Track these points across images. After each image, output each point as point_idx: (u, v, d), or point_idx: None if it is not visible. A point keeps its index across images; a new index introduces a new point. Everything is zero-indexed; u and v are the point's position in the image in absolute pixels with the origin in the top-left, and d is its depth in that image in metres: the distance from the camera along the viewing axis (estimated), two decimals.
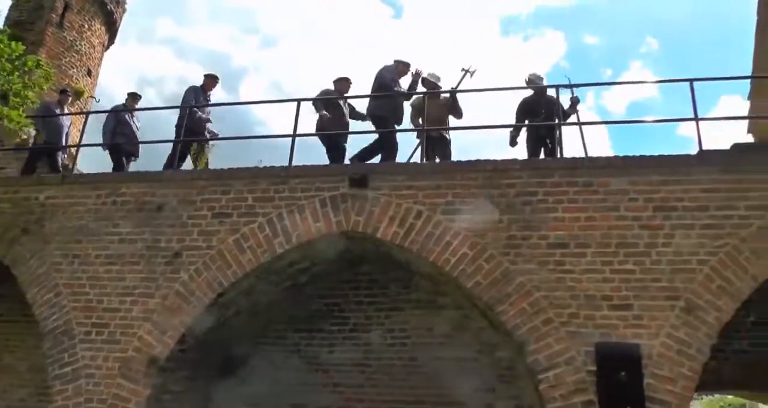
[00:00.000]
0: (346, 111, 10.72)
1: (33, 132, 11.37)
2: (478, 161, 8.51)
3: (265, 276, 8.58)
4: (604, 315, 7.23)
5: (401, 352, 9.36)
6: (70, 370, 8.19)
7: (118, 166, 10.97)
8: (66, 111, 12.46)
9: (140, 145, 11.63)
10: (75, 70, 17.85)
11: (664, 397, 6.80)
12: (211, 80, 11.64)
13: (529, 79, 10.47)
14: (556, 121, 9.48)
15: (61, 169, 11.40)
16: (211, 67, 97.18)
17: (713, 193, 7.51)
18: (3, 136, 12.76)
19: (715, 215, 7.41)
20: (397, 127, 10.30)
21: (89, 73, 18.62)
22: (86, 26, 18.48)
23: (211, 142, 11.40)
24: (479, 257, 7.66)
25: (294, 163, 8.80)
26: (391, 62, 10.73)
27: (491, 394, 8.84)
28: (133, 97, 11.85)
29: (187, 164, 11.03)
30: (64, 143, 11.81)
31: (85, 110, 16.69)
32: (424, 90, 10.56)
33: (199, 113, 11.08)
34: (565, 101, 10.29)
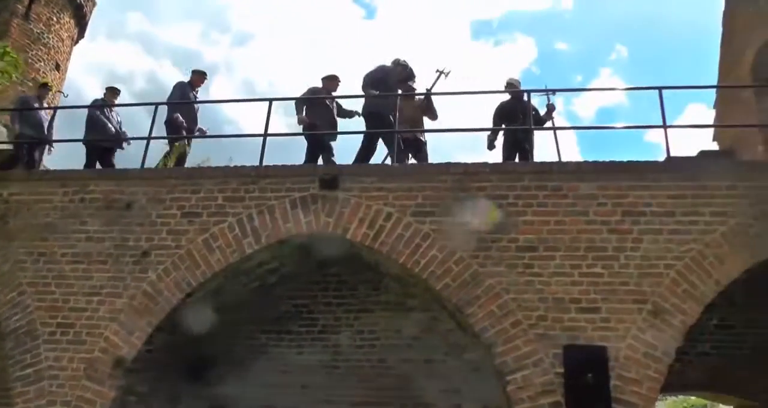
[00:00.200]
0: (334, 110, 10.66)
1: (17, 127, 10.99)
2: (448, 164, 8.56)
3: (234, 276, 8.53)
4: (572, 318, 7.32)
5: (370, 354, 9.38)
6: (32, 372, 8.00)
7: (92, 163, 10.76)
8: (46, 106, 12.15)
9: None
10: (42, 64, 17.59)
11: (630, 399, 6.91)
12: (198, 76, 11.49)
13: (508, 83, 10.54)
14: (531, 125, 9.55)
15: (38, 165, 11.09)
16: (182, 64, 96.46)
17: (680, 199, 7.66)
18: None
19: (681, 221, 7.56)
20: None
21: (57, 67, 18.35)
22: (54, 19, 18.21)
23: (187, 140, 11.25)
24: (448, 259, 7.69)
25: (265, 163, 8.74)
26: (379, 62, 10.72)
27: (459, 395, 8.91)
28: (112, 91, 11.62)
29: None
30: (46, 138, 11.46)
31: (53, 105, 16.38)
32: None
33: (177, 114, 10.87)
34: (542, 108, 10.45)
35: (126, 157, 11.41)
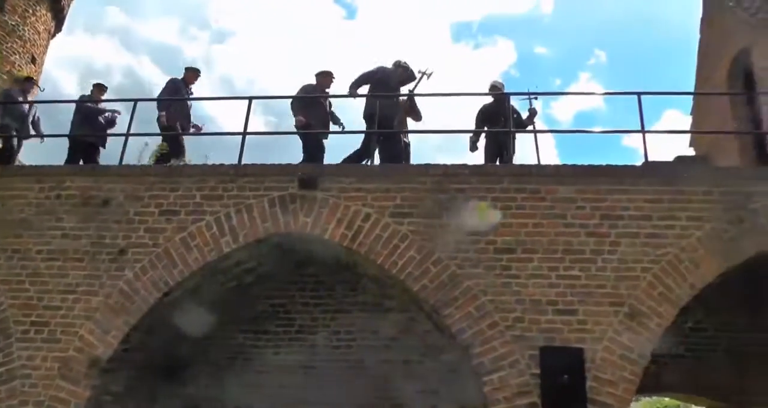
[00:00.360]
0: (328, 107, 10.63)
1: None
2: (427, 165, 8.58)
3: (211, 276, 8.47)
4: (549, 319, 7.38)
5: (347, 354, 9.37)
6: (4, 371, 7.84)
7: (75, 158, 10.61)
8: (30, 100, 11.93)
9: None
10: (18, 57, 17.34)
11: (606, 400, 6.99)
12: (192, 73, 11.34)
13: (492, 85, 10.58)
14: (512, 128, 9.59)
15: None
16: (161, 60, 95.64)
17: (657, 203, 7.76)
18: None
19: (658, 225, 7.66)
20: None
21: (33, 60, 18.10)
22: (30, 11, 17.96)
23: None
24: (426, 261, 7.71)
25: (243, 162, 8.69)
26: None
27: (436, 396, 8.92)
28: (100, 88, 11.50)
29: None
30: (30, 132, 11.20)
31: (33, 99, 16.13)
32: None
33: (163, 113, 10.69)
34: (523, 112, 10.54)
35: (104, 154, 11.26)
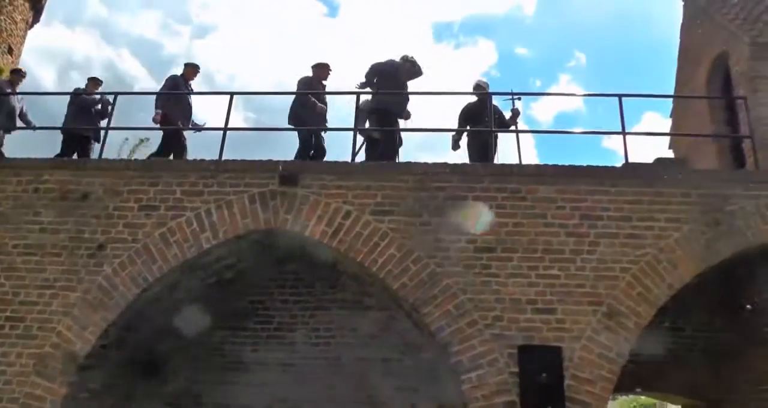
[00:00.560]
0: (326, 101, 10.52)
1: None
2: (408, 163, 8.60)
3: (191, 272, 8.42)
4: (528, 318, 7.42)
5: (326, 352, 9.38)
6: None
7: (69, 152, 10.46)
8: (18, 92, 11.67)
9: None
10: None
11: (584, 398, 7.05)
12: (192, 69, 11.20)
13: (476, 84, 10.58)
14: (494, 127, 9.62)
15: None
16: (141, 54, 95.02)
17: (636, 204, 7.85)
18: None
19: (637, 226, 7.74)
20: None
21: (10, 50, 17.82)
22: (7, 1, 17.70)
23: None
24: (406, 259, 7.72)
25: (224, 158, 8.65)
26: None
27: (414, 394, 8.95)
28: (95, 81, 11.33)
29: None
30: (17, 125, 11.04)
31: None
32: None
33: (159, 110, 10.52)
34: (506, 112, 10.59)
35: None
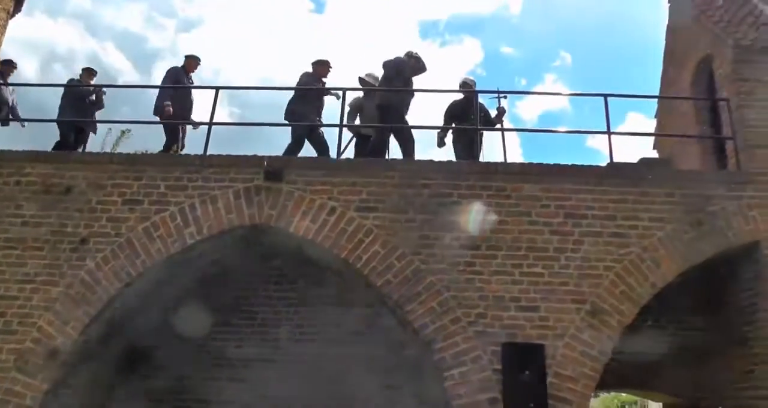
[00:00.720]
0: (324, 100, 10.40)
1: None
2: (394, 160, 8.63)
3: (174, 267, 8.36)
4: (512, 316, 7.46)
5: (309, 348, 9.34)
6: None
7: (66, 144, 10.25)
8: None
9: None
10: None
11: (566, 396, 7.10)
12: (193, 61, 11.04)
13: (463, 82, 10.58)
14: (479, 125, 9.64)
15: None
16: (126, 47, 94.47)
17: (621, 203, 7.92)
18: None
19: (621, 225, 7.81)
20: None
21: None
22: None
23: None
24: (391, 255, 7.74)
25: (209, 153, 8.61)
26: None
27: (398, 391, 8.94)
28: (89, 72, 11.16)
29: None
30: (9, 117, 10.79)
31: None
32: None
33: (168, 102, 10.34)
34: (492, 110, 10.57)
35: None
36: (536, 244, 7.75)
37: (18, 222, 8.19)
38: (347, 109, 10.11)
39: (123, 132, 17.27)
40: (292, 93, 10.13)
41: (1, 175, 8.45)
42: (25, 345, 7.57)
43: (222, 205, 8.08)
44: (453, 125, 10.23)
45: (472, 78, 10.76)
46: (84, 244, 7.99)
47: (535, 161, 8.52)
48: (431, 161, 8.46)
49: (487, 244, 7.78)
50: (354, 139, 10.32)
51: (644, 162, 9.23)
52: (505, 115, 10.60)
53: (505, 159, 9.69)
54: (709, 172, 9.54)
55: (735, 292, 8.48)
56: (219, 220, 8.04)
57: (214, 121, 9.13)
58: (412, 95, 9.98)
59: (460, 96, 10.41)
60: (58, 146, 10.16)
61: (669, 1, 12.25)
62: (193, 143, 10.62)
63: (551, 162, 8.39)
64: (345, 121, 9.45)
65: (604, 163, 8.81)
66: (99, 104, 10.92)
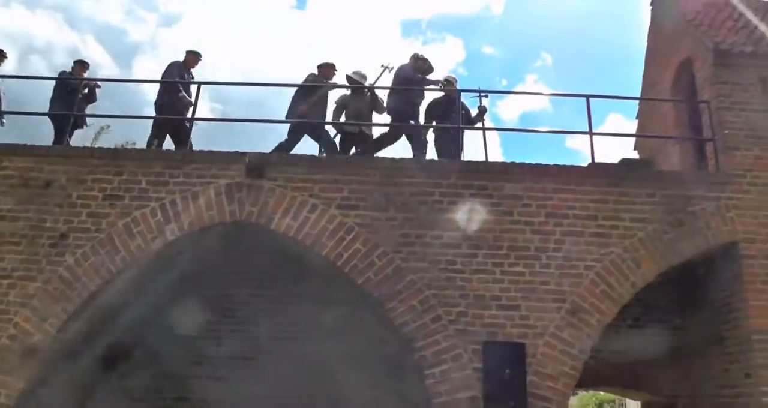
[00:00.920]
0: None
1: None
2: (376, 158, 8.62)
3: (155, 263, 8.28)
4: (492, 314, 7.49)
5: (290, 346, 9.30)
6: None
7: (60, 137, 9.88)
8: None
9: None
10: None
11: (546, 394, 7.16)
12: (193, 57, 10.77)
13: (446, 79, 10.57)
14: (461, 124, 9.64)
15: None
16: (106, 40, 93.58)
17: (602, 203, 7.98)
18: None
19: (602, 225, 7.88)
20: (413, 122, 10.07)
21: None
22: None
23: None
24: (372, 253, 7.74)
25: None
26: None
27: (378, 389, 8.92)
28: (82, 65, 10.97)
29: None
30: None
31: None
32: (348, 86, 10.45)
33: (183, 93, 10.17)
34: (473, 109, 10.56)
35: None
36: (517, 243, 7.78)
37: None
38: (333, 106, 10.13)
39: (102, 127, 17.09)
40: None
41: None
42: (1, 342, 7.46)
43: (203, 202, 8.02)
44: (434, 123, 10.24)
45: (453, 76, 10.76)
46: (63, 239, 7.89)
47: (515, 161, 8.54)
48: (413, 159, 8.46)
49: (468, 242, 7.80)
50: (338, 136, 10.27)
51: (625, 162, 9.29)
52: (486, 113, 10.63)
53: (487, 158, 9.72)
54: (689, 173, 9.61)
55: (712, 292, 8.57)
56: (200, 217, 7.98)
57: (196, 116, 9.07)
58: (423, 96, 10.03)
59: (440, 94, 10.42)
60: (55, 143, 9.98)
61: (651, 4, 12.34)
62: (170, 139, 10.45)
63: (532, 162, 8.42)
64: (330, 119, 9.42)
65: (584, 164, 8.86)
66: (92, 98, 10.77)
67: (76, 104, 9.94)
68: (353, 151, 10.02)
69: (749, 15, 10.07)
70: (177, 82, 10.03)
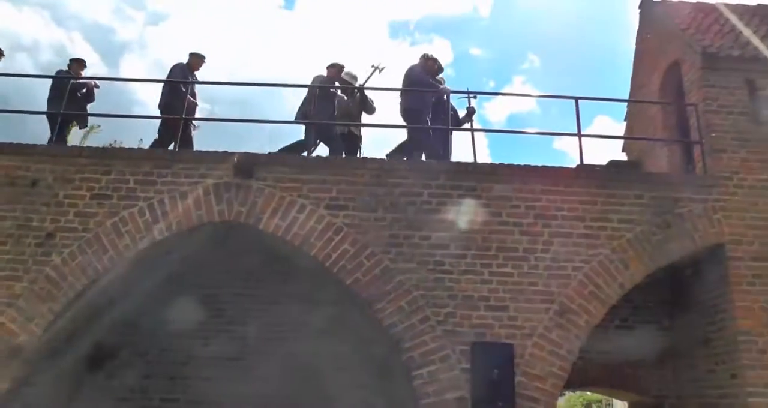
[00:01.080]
0: (336, 100, 10.33)
1: None
2: (365, 159, 8.61)
3: (142, 263, 8.24)
4: (481, 315, 7.51)
5: (278, 347, 9.27)
6: None
7: (60, 137, 9.85)
8: None
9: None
10: None
11: (534, 394, 7.18)
12: (197, 59, 10.72)
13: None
14: (450, 125, 9.67)
15: None
16: (94, 39, 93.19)
17: (590, 205, 8.02)
18: None
19: (591, 226, 7.91)
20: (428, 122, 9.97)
21: None
22: None
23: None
24: (360, 254, 7.74)
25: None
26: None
27: (366, 389, 8.92)
28: (79, 63, 10.88)
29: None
30: None
31: None
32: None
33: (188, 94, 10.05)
34: (461, 110, 10.58)
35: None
36: (506, 244, 7.80)
37: None
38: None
39: (92, 127, 16.96)
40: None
41: None
42: None
43: (191, 201, 7.99)
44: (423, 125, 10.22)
45: (442, 77, 10.76)
46: (50, 239, 7.82)
47: (503, 162, 8.57)
48: (402, 160, 8.47)
49: (457, 243, 7.81)
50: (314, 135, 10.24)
51: (613, 164, 9.36)
52: (474, 115, 10.65)
53: (475, 159, 9.74)
54: (677, 175, 9.67)
55: (699, 294, 8.63)
56: (188, 217, 7.95)
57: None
58: (433, 96, 10.03)
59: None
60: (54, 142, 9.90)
61: (640, 7, 12.39)
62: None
63: (520, 163, 8.45)
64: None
65: (572, 165, 8.90)
66: (90, 98, 10.68)
67: (77, 104, 9.92)
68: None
69: (735, 20, 10.15)
70: (167, 81, 10.00)
